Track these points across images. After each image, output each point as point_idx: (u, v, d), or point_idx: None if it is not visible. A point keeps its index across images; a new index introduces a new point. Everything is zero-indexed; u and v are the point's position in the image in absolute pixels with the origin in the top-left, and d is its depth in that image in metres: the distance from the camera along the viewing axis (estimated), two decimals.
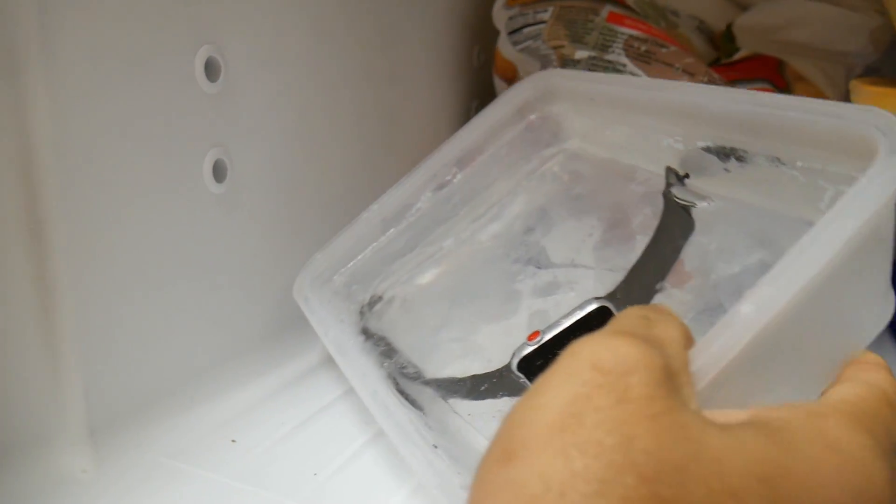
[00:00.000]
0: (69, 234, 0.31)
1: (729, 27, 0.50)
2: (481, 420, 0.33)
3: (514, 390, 0.32)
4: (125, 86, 0.32)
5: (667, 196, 0.35)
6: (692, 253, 0.34)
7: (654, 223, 0.37)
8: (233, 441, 0.36)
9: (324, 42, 0.43)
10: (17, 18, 0.28)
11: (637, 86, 0.39)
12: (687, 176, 0.37)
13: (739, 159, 0.34)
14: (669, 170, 0.37)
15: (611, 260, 0.37)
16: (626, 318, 0.21)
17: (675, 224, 0.34)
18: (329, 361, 0.41)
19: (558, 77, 0.42)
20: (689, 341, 0.21)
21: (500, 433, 0.17)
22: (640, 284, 0.33)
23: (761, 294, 0.21)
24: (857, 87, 0.35)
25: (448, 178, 0.44)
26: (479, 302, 0.39)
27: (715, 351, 0.20)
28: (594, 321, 0.31)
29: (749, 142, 0.33)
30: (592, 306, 0.32)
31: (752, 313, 0.20)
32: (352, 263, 0.43)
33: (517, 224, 0.43)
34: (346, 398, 0.40)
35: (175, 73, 0.34)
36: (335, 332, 0.38)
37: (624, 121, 0.40)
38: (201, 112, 0.36)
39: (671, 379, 0.18)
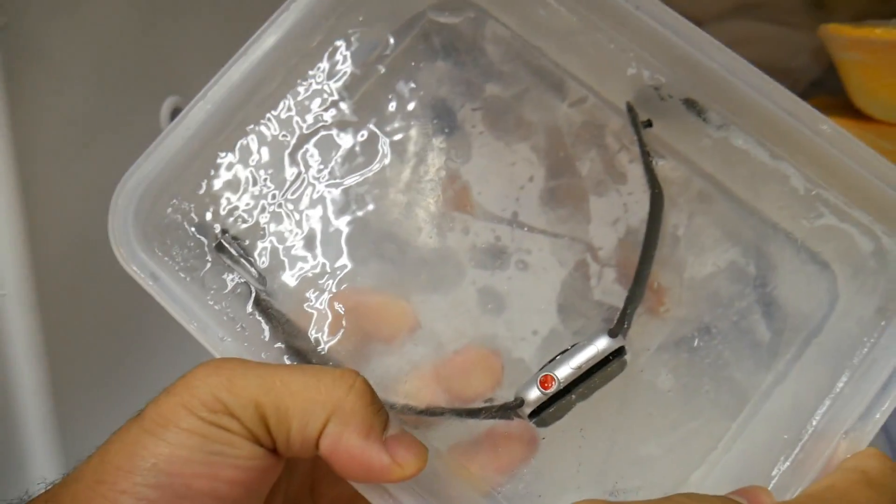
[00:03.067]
0: None
1: None
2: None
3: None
4: None
5: (647, 161, 0.30)
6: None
7: (606, 179, 0.32)
8: None
9: None
10: None
11: None
12: (650, 123, 0.32)
13: (721, 127, 0.30)
14: (632, 110, 0.31)
15: (565, 224, 0.32)
16: None
17: (658, 205, 0.30)
18: None
19: None
20: None
21: None
22: (638, 302, 0.30)
23: None
24: None
25: None
26: (401, 254, 0.31)
27: None
28: (609, 361, 0.28)
29: (742, 120, 0.30)
30: (603, 344, 0.28)
31: None
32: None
33: (415, 126, 0.32)
34: None
35: None
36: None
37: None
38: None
39: None
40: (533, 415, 0.28)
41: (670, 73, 0.30)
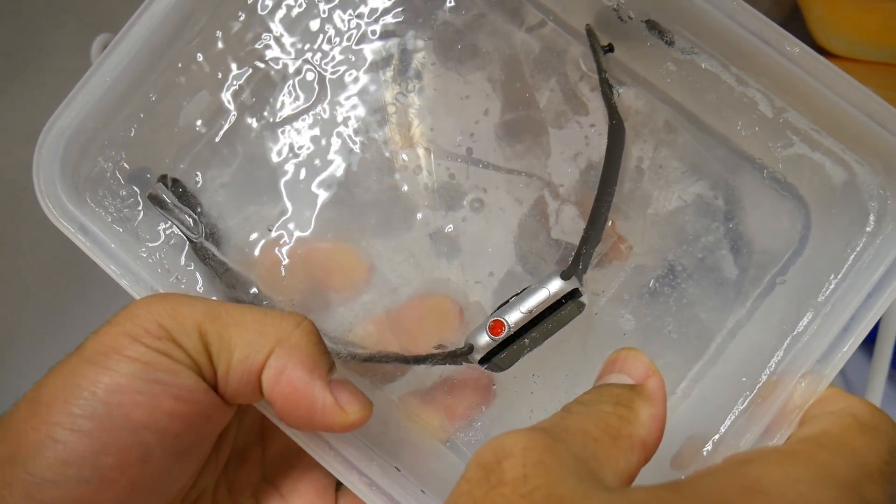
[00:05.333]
0: None
1: None
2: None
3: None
4: None
5: (606, 91, 0.28)
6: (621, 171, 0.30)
7: (566, 110, 0.30)
8: None
9: None
10: None
11: None
12: (611, 48, 0.30)
13: (687, 52, 0.28)
14: (591, 34, 0.29)
15: (522, 159, 0.30)
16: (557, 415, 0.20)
17: (617, 139, 0.28)
18: None
19: None
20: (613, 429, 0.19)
21: None
22: (594, 243, 0.28)
23: None
24: None
25: None
26: (350, 197, 0.29)
27: None
28: (563, 304, 0.27)
29: (706, 42, 0.28)
30: (556, 286, 0.27)
31: None
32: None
33: (359, 60, 0.30)
34: None
35: None
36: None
37: None
38: None
39: (563, 459, 0.17)
40: (484, 361, 0.27)
41: None
